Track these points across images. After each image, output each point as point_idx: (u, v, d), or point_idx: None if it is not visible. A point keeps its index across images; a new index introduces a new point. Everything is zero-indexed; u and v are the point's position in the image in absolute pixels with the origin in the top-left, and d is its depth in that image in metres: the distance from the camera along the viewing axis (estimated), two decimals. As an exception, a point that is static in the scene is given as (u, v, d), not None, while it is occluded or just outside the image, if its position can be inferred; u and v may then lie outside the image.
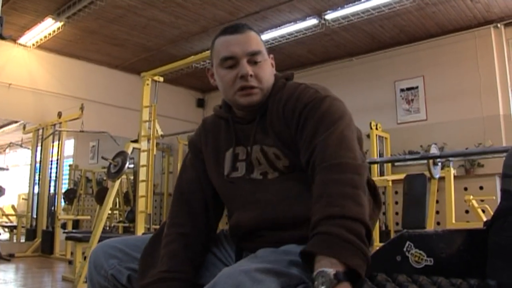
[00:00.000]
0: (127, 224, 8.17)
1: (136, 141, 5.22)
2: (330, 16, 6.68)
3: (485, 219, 4.20)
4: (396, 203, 6.86)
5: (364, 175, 1.25)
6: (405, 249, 1.39)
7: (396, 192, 6.87)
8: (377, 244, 5.72)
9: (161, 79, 5.30)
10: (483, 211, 4.90)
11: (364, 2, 6.31)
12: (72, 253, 6.40)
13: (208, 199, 1.56)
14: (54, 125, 7.69)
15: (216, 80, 1.53)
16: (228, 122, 1.54)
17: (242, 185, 1.48)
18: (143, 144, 5.12)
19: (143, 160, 5.10)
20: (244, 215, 1.45)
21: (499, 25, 7.01)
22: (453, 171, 4.99)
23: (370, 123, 7.05)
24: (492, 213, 3.84)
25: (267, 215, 1.40)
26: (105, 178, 9.55)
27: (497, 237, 1.29)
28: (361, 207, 1.16)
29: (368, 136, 7.11)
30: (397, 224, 6.70)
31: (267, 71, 1.49)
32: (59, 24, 6.93)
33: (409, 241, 1.40)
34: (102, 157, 5.30)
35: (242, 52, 1.44)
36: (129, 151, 4.96)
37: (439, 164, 5.13)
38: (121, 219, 8.96)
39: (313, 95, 1.42)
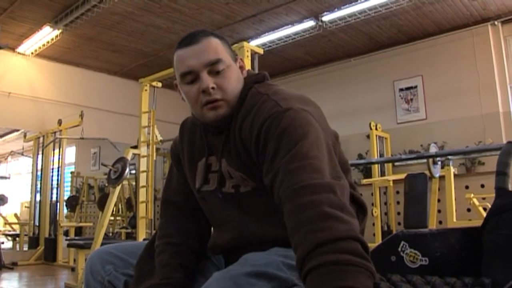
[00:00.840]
0: (129, 230, 8.17)
1: (136, 147, 5.22)
2: (327, 17, 6.69)
3: (486, 217, 4.23)
4: (398, 203, 6.85)
5: (341, 192, 1.08)
6: (399, 249, 1.39)
7: (398, 192, 6.86)
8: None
9: (159, 84, 5.30)
10: (485, 209, 4.89)
11: (360, 2, 6.33)
12: (74, 260, 6.40)
13: (196, 207, 1.53)
14: (55, 132, 7.71)
15: (183, 96, 1.42)
16: (202, 131, 1.46)
17: (213, 200, 1.43)
18: (143, 150, 5.12)
19: (143, 165, 5.10)
20: (220, 237, 1.44)
21: (496, 22, 7.02)
22: (453, 170, 4.98)
23: (370, 124, 7.05)
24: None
25: (242, 235, 1.36)
26: (107, 184, 9.56)
27: (492, 235, 1.29)
28: (347, 224, 0.99)
29: (368, 136, 7.11)
30: (399, 224, 6.69)
31: (233, 79, 1.36)
32: (57, 32, 6.95)
33: (404, 241, 1.40)
34: (102, 164, 5.32)
35: (199, 65, 1.32)
36: (129, 157, 4.97)
37: (439, 163, 5.13)
38: (124, 225, 8.97)
39: (272, 109, 1.25)
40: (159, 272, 1.39)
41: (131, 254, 1.51)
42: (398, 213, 6.81)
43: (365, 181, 6.78)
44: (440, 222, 5.94)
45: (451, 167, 4.95)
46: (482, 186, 6.52)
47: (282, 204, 1.10)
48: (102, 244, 4.56)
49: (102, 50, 7.96)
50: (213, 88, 1.32)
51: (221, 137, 1.38)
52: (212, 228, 1.55)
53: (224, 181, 1.39)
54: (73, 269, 6.25)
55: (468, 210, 5.84)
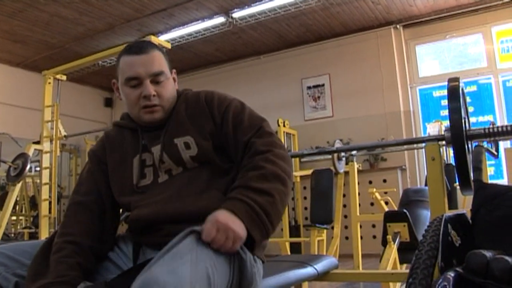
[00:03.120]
0: (33, 230, 7.82)
1: (38, 142, 5.02)
2: (237, 14, 6.74)
3: (387, 209, 4.42)
4: (305, 198, 7.02)
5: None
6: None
7: (305, 188, 7.04)
8: (286, 239, 5.85)
9: (64, 77, 5.12)
10: (386, 203, 5.10)
11: (270, 1, 6.43)
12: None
13: (105, 208, 1.57)
14: None
15: (121, 96, 1.61)
16: (134, 131, 1.61)
17: (150, 190, 1.52)
18: (46, 145, 4.93)
19: (46, 162, 4.91)
20: (145, 210, 1.47)
21: (398, 26, 7.39)
22: (356, 165, 5.17)
23: (278, 120, 7.17)
24: (394, 205, 4.02)
25: (167, 209, 1.43)
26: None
27: (487, 217, 1.38)
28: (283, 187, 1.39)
29: (276, 133, 7.22)
30: (306, 219, 6.86)
31: (169, 89, 1.59)
32: (-48, 19, 6.52)
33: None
34: (1, 160, 5.06)
35: (145, 73, 1.53)
36: (30, 152, 4.76)
37: (344, 159, 5.30)
38: (28, 224, 8.57)
39: (223, 94, 1.64)
40: (54, 269, 1.37)
41: (24, 254, 1.46)
42: (305, 208, 6.98)
43: (273, 177, 6.86)
44: (346, 217, 6.15)
45: (355, 163, 5.13)
46: (384, 181, 6.84)
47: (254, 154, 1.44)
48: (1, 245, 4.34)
49: (3, 40, 7.53)
50: (154, 95, 1.54)
51: (156, 133, 1.57)
52: (114, 234, 1.61)
53: (158, 171, 1.54)
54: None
55: (371, 204, 6.08)
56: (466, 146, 1.78)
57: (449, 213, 1.41)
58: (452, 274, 1.11)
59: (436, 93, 7.28)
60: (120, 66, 1.58)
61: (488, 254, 1.13)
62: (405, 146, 5.53)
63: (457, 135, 1.76)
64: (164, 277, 1.05)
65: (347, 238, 6.40)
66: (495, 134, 1.87)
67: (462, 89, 1.86)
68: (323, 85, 7.84)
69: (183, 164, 1.52)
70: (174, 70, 1.67)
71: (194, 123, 1.56)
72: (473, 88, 6.95)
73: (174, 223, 1.39)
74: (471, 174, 1.79)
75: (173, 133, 1.55)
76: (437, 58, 7.46)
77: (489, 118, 6.76)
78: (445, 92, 7.03)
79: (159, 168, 1.53)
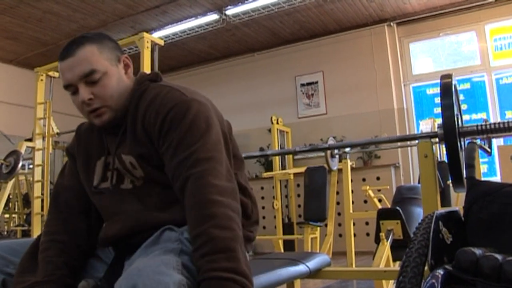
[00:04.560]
0: (26, 228, 7.79)
1: (30, 139, 4.99)
2: (231, 11, 6.73)
3: (380, 207, 4.42)
4: (299, 195, 7.02)
5: (233, 195, 1.29)
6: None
7: (298, 185, 7.04)
8: (279, 237, 5.85)
9: (57, 74, 5.08)
10: (380, 201, 5.10)
11: (264, -2, 6.42)
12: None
13: (88, 205, 1.53)
14: None
15: None
16: (101, 132, 1.51)
17: (110, 195, 1.46)
18: (38, 143, 4.90)
19: (38, 159, 4.88)
20: (109, 228, 1.44)
21: (392, 23, 7.39)
22: (350, 163, 5.17)
23: (271, 118, 7.16)
24: (387, 202, 4.02)
25: (130, 224, 1.38)
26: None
27: (480, 214, 1.39)
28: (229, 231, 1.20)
29: (270, 130, 7.23)
30: (299, 216, 6.86)
31: (111, 85, 1.41)
32: None
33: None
34: (-8, 157, 5.04)
35: (75, 78, 1.38)
36: (23, 150, 4.75)
37: (337, 156, 5.30)
38: (21, 222, 8.53)
39: (179, 97, 1.38)
40: (42, 269, 1.36)
41: (13, 252, 1.45)
42: (299, 206, 6.98)
43: (266, 174, 6.88)
44: (339, 214, 6.16)
45: (348, 160, 5.13)
46: (378, 178, 6.85)
47: (183, 193, 1.27)
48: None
49: (-5, 37, 7.51)
50: (90, 99, 1.39)
51: (117, 135, 1.44)
52: (99, 230, 1.54)
53: (122, 178, 1.44)
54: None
55: (365, 201, 6.08)
56: (458, 143, 1.78)
57: (441, 210, 1.41)
58: (441, 272, 1.10)
59: (430, 91, 7.29)
60: None
61: (478, 251, 1.13)
62: (399, 144, 5.53)
63: (450, 132, 1.76)
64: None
65: (340, 235, 6.41)
66: (488, 131, 1.87)
67: (455, 86, 1.85)
68: (316, 82, 7.83)
69: (137, 179, 1.42)
70: (123, 56, 1.49)
71: (146, 139, 1.40)
72: (467, 85, 6.95)
73: (138, 235, 1.36)
74: (464, 171, 1.79)
75: (123, 146, 1.43)
76: (430, 55, 7.48)
77: (482, 115, 6.77)
78: (438, 90, 7.06)
79: (125, 176, 1.44)
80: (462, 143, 1.94)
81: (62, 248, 1.42)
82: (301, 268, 1.85)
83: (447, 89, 1.79)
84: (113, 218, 1.44)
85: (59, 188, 1.57)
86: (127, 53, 1.57)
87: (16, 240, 1.76)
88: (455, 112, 1.83)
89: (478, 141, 2.08)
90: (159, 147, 1.35)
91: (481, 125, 1.92)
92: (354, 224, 4.46)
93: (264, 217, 7.07)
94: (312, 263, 1.94)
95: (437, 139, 2.07)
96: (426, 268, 1.19)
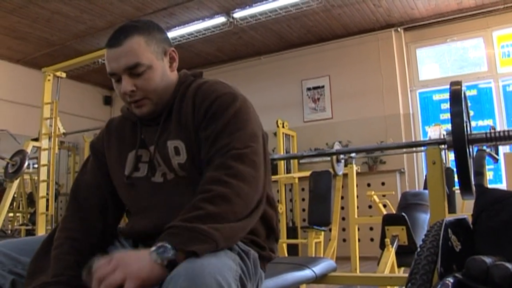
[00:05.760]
0: (30, 227, 7.80)
1: (37, 139, 5.00)
2: (238, 14, 6.73)
3: (385, 213, 4.41)
4: (303, 199, 7.01)
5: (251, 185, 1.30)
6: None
7: (303, 189, 7.02)
8: (283, 241, 5.84)
9: (64, 74, 5.11)
10: (385, 206, 5.09)
11: (271, 1, 6.42)
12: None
13: (107, 203, 1.52)
14: None
15: None
16: (135, 124, 1.52)
17: (142, 186, 1.46)
18: (44, 143, 4.92)
19: (44, 159, 4.90)
20: (139, 223, 1.44)
21: (399, 29, 7.39)
22: (355, 168, 5.17)
23: (277, 121, 7.15)
24: (392, 208, 4.02)
25: (157, 222, 1.36)
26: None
27: (490, 222, 1.38)
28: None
29: (275, 134, 7.22)
30: (304, 220, 6.85)
31: (155, 79, 1.42)
32: (-48, 15, 6.50)
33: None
34: (-1, 157, 5.04)
35: (119, 69, 1.39)
36: (29, 149, 4.75)
37: (342, 161, 5.30)
38: (24, 221, 8.55)
39: (226, 89, 1.44)
40: (53, 267, 1.35)
41: (20, 251, 1.44)
42: (303, 210, 6.96)
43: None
44: (344, 219, 6.15)
45: (354, 165, 5.13)
46: (383, 184, 6.83)
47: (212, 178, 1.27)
48: (-3, 241, 4.33)
49: (3, 36, 7.50)
50: (132, 91, 1.39)
51: (156, 128, 1.46)
52: (115, 229, 1.56)
53: (154, 170, 1.45)
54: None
55: (370, 207, 6.07)
56: (467, 151, 1.77)
57: (449, 217, 1.40)
58: (451, 280, 1.10)
59: (436, 97, 7.27)
60: None
61: (488, 260, 1.12)
62: (405, 149, 5.53)
63: (459, 139, 1.75)
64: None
65: (344, 240, 6.40)
66: (497, 138, 1.86)
67: (464, 93, 1.85)
68: (323, 86, 7.83)
69: (174, 170, 1.42)
70: (171, 49, 1.50)
71: (192, 125, 1.42)
72: (473, 92, 6.94)
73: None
74: (472, 179, 1.79)
75: (168, 133, 1.44)
76: (437, 61, 7.46)
77: (488, 122, 6.75)
78: (445, 96, 7.06)
79: (157, 168, 1.45)
80: (470, 150, 1.93)
81: (76, 246, 1.41)
82: (307, 273, 1.85)
83: (456, 96, 1.78)
84: (141, 213, 1.45)
85: (80, 185, 1.56)
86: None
87: (23, 238, 1.75)
88: (464, 119, 1.82)
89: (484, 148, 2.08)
90: (200, 131, 1.38)
91: (490, 133, 1.91)
92: (358, 229, 4.45)
93: (268, 221, 7.04)
94: (318, 268, 1.93)
95: (444, 146, 2.07)
96: (435, 275, 1.18)
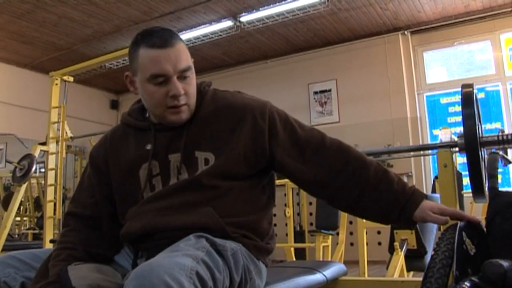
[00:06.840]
0: (37, 231, 7.81)
1: (44, 143, 5.01)
2: (245, 18, 6.74)
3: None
4: (310, 203, 6.99)
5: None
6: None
7: (310, 193, 6.99)
8: (291, 244, 5.82)
9: (71, 78, 5.11)
10: (392, 209, 5.06)
11: (278, 5, 6.41)
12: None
13: (105, 214, 1.53)
14: (-44, 127, 7.25)
15: (140, 93, 1.46)
16: (140, 131, 1.50)
17: (155, 202, 1.45)
18: (52, 147, 4.92)
19: (51, 163, 4.90)
20: (133, 225, 1.43)
21: (406, 32, 7.37)
22: (363, 171, 5.14)
23: (284, 125, 7.12)
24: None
25: (157, 222, 1.37)
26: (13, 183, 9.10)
27: (504, 225, 1.37)
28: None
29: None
30: (311, 224, 6.83)
31: (194, 85, 1.45)
32: (-40, 19, 6.54)
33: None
34: (7, 161, 5.05)
35: (173, 71, 1.37)
36: (36, 153, 4.76)
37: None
38: (31, 225, 8.56)
39: (258, 100, 1.58)
40: (51, 272, 1.36)
41: (35, 259, 1.46)
42: (311, 214, 6.94)
43: (278, 181, 6.80)
44: (351, 223, 6.13)
45: (361, 169, 5.11)
46: (390, 187, 6.79)
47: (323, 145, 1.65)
48: (5, 245, 4.34)
49: (11, 41, 7.55)
50: (184, 94, 1.40)
51: (173, 134, 1.45)
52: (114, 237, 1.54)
53: (168, 179, 1.44)
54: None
55: (377, 210, 6.03)
56: (480, 153, 1.76)
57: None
58: (468, 284, 1.08)
59: (443, 100, 7.24)
60: (140, 60, 1.40)
61: (505, 263, 1.11)
62: (412, 153, 5.50)
63: (471, 142, 1.74)
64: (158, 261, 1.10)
65: (352, 244, 6.37)
66: (510, 141, 1.85)
67: (476, 96, 1.83)
68: (330, 90, 7.82)
69: (197, 177, 1.41)
70: (192, 59, 1.49)
71: (226, 137, 1.44)
72: (481, 95, 6.90)
73: (165, 232, 1.36)
74: (485, 182, 1.77)
75: (196, 143, 1.44)
76: (444, 64, 7.43)
77: (496, 125, 6.72)
78: (452, 99, 7.03)
79: (171, 176, 1.44)
80: (482, 153, 1.92)
81: (72, 253, 1.42)
82: (318, 277, 1.83)
83: (469, 99, 1.77)
84: (135, 216, 1.44)
85: (75, 204, 1.56)
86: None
87: (40, 249, 1.76)
88: (476, 121, 1.81)
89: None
90: (267, 140, 1.50)
91: (502, 135, 1.90)
92: (366, 233, 4.43)
93: (275, 225, 6.99)
94: (329, 272, 1.92)
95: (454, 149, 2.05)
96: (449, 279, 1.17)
